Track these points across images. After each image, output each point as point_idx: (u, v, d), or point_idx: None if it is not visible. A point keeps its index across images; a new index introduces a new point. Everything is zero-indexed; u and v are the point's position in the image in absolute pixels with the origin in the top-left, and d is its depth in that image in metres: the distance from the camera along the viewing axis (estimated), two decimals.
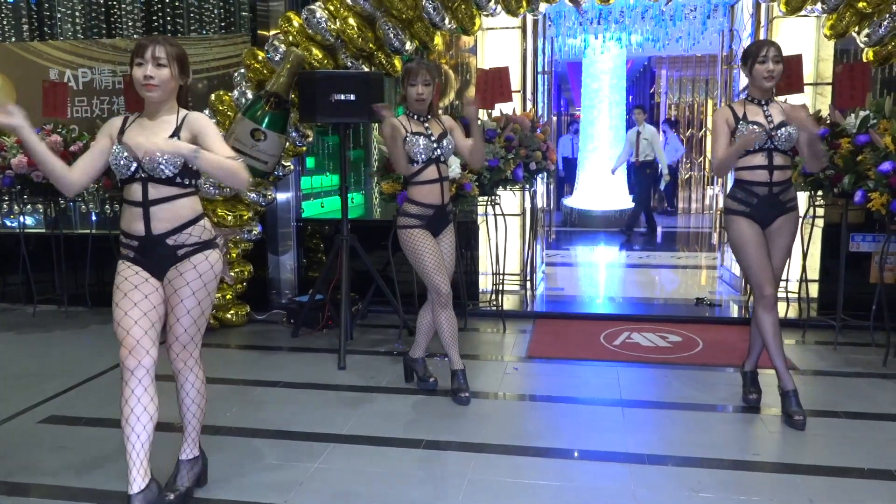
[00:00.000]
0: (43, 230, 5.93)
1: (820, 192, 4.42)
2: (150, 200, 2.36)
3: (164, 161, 2.31)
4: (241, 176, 2.37)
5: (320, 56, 4.62)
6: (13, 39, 6.02)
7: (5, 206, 6.17)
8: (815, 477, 2.75)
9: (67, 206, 5.84)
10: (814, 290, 4.99)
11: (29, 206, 5.94)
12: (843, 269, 4.53)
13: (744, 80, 4.85)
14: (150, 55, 2.32)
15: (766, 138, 3.19)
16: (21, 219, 5.82)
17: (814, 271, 5.02)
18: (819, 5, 4.29)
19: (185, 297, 2.42)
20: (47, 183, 5.08)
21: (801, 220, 4.73)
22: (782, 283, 5.14)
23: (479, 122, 4.62)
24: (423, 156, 3.38)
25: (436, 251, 3.46)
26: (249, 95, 4.66)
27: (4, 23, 6.04)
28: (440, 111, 3.65)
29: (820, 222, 4.91)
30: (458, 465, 2.86)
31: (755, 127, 3.14)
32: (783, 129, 3.19)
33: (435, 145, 3.40)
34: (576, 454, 2.97)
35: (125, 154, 2.33)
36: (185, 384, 2.55)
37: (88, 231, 5.70)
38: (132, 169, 2.34)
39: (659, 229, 10.44)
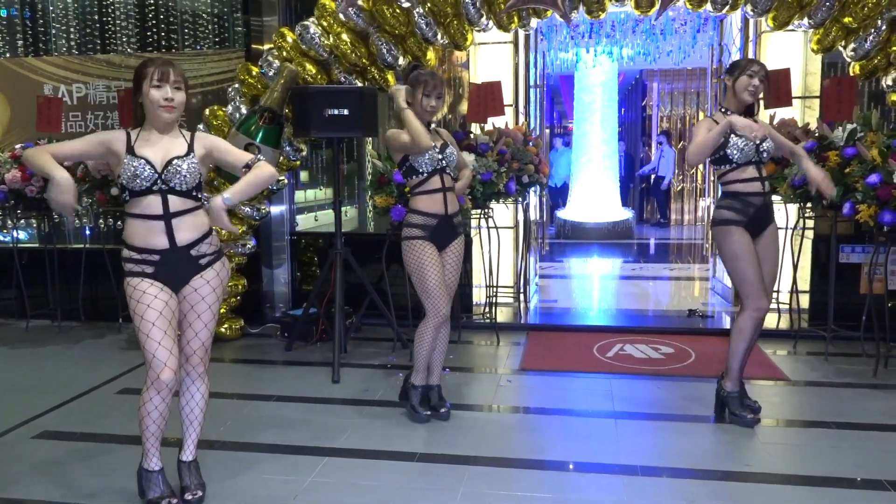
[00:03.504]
0: (36, 244, 5.93)
1: (809, 204, 4.47)
2: (172, 213, 2.45)
3: (186, 172, 2.43)
4: (269, 173, 2.54)
5: (314, 71, 4.65)
6: (7, 55, 6.04)
7: None
8: (808, 487, 2.77)
9: (61, 220, 5.84)
10: (804, 301, 5.03)
11: (22, 221, 5.94)
12: (833, 280, 4.57)
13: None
14: (169, 78, 2.42)
15: (754, 150, 3.29)
16: (14, 233, 5.81)
17: (804, 282, 5.06)
18: (806, 20, 4.35)
19: (202, 312, 2.56)
20: (41, 198, 5.10)
21: (792, 231, 4.82)
22: (772, 294, 5.23)
23: (473, 135, 4.68)
24: (428, 166, 3.34)
25: (439, 267, 3.36)
26: (244, 110, 4.70)
27: None
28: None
29: (810, 234, 4.96)
30: (452, 477, 2.87)
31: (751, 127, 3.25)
32: (768, 142, 3.33)
33: (440, 156, 3.36)
34: (570, 466, 2.98)
35: (145, 166, 2.39)
36: (195, 393, 2.65)
37: (82, 246, 5.69)
38: (150, 181, 2.40)
39: (651, 241, 10.50)
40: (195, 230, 2.50)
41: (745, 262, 3.30)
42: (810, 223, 4.87)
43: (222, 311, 5.04)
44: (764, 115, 4.91)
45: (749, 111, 3.37)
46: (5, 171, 5.08)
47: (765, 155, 3.34)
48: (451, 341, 3.68)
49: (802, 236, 4.78)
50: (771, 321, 5.17)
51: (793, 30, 4.72)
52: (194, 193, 2.49)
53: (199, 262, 2.53)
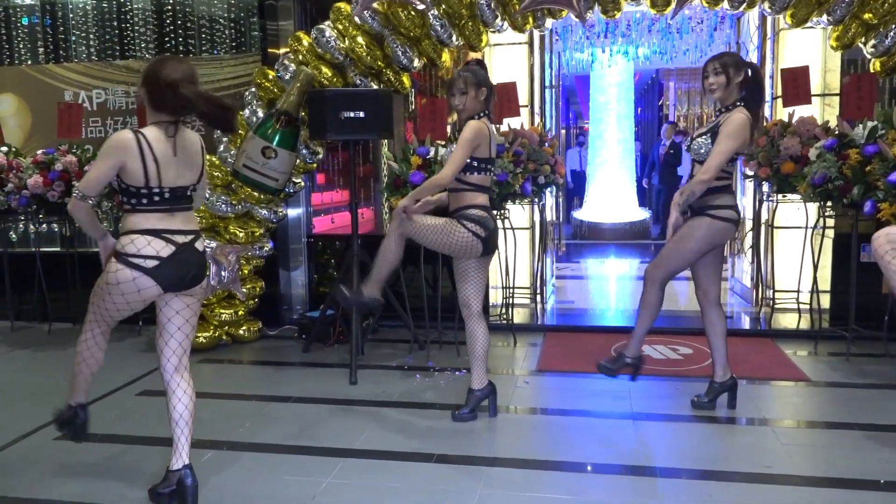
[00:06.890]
0: (58, 249, 6.01)
1: (829, 203, 4.42)
2: None
3: None
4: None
5: (330, 74, 4.68)
6: (29, 62, 6.14)
7: (21, 225, 6.25)
8: (829, 489, 2.74)
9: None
10: (825, 300, 4.97)
11: (44, 226, 6.02)
12: (855, 279, 4.52)
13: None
14: None
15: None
16: (36, 237, 5.90)
17: (825, 282, 5.00)
18: (825, 17, 4.30)
19: None
20: (62, 203, 5.17)
21: (812, 231, 4.75)
22: (793, 294, 5.18)
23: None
24: None
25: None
26: (260, 114, 4.73)
27: (21, 46, 6.15)
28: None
29: (830, 233, 4.90)
30: (470, 479, 2.87)
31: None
32: (696, 139, 3.39)
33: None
34: (588, 468, 2.97)
35: None
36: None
37: None
38: None
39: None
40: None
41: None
42: (831, 222, 4.82)
43: (240, 313, 5.07)
44: (783, 113, 4.87)
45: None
46: (27, 177, 5.15)
47: (693, 152, 3.39)
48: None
49: (823, 235, 4.72)
50: (791, 321, 5.13)
51: (811, 27, 4.68)
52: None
53: None
